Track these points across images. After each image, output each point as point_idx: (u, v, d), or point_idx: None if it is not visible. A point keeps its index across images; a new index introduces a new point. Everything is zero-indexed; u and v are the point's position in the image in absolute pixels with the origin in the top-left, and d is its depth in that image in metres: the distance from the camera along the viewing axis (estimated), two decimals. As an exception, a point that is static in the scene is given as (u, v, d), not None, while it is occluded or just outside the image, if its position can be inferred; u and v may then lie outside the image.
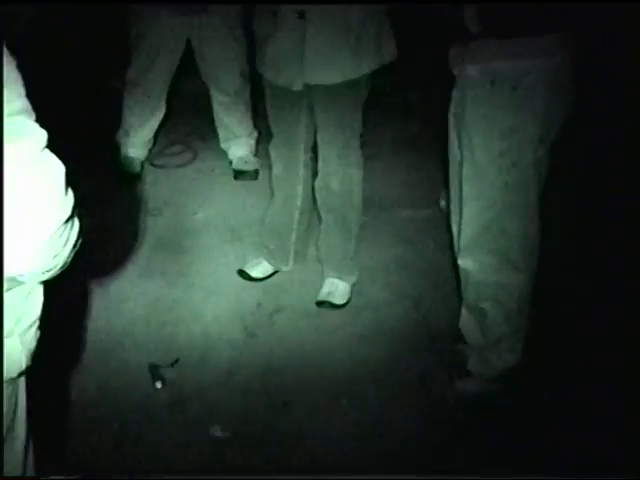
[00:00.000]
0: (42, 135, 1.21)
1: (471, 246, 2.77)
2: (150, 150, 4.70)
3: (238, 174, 4.59)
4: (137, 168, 4.57)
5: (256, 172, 4.58)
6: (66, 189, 1.24)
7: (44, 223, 1.21)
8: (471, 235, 2.75)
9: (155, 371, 3.09)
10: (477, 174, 2.65)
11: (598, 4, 2.48)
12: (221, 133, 4.65)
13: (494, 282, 2.78)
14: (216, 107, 4.54)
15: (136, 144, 4.57)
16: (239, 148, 4.61)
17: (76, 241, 1.32)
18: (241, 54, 4.33)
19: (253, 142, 4.65)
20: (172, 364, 3.15)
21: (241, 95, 4.47)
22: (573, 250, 3.60)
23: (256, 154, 4.64)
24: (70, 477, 2.48)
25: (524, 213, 2.69)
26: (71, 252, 1.32)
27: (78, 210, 1.29)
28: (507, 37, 2.45)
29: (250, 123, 4.62)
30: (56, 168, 1.22)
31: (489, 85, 2.52)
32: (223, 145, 4.67)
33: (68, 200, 1.25)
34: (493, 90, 2.52)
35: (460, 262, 2.84)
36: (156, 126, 4.59)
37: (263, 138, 4.34)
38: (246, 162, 4.60)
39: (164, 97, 4.48)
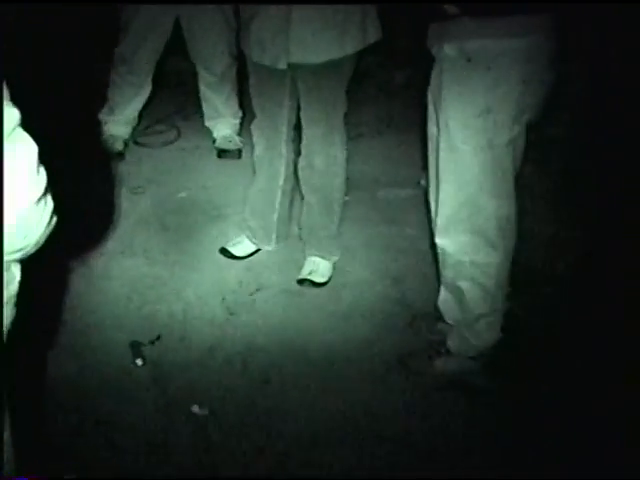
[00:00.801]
0: (14, 114, 1.21)
1: (448, 225, 2.78)
2: (134, 128, 4.70)
3: (221, 152, 4.60)
4: (120, 146, 4.56)
5: (239, 151, 4.59)
6: (38, 169, 1.24)
7: (13, 203, 1.21)
8: (448, 214, 2.76)
9: (136, 349, 3.10)
10: (453, 153, 2.65)
11: None
12: (206, 112, 4.65)
13: (471, 261, 2.79)
14: (203, 86, 4.54)
15: (120, 122, 4.56)
16: (223, 127, 4.62)
17: (49, 221, 1.32)
18: (230, 34, 4.31)
19: (237, 122, 4.66)
20: (153, 342, 3.16)
21: (228, 75, 4.47)
22: (561, 232, 3.60)
23: (240, 134, 4.64)
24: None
25: (500, 192, 2.70)
26: (44, 232, 1.31)
27: (52, 190, 1.29)
28: (483, 16, 2.45)
29: (235, 103, 4.62)
30: (28, 148, 1.22)
31: (465, 64, 2.52)
32: (208, 123, 4.67)
33: (40, 180, 1.24)
34: (469, 69, 2.52)
35: (437, 241, 2.85)
36: (141, 104, 4.58)
37: (248, 118, 4.33)
38: (229, 141, 4.61)
39: (150, 76, 4.47)
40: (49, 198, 1.30)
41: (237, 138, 4.63)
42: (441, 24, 2.58)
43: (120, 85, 4.47)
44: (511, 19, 2.44)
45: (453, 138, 2.64)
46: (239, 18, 3.40)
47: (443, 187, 2.74)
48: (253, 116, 3.50)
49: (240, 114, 4.65)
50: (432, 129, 2.78)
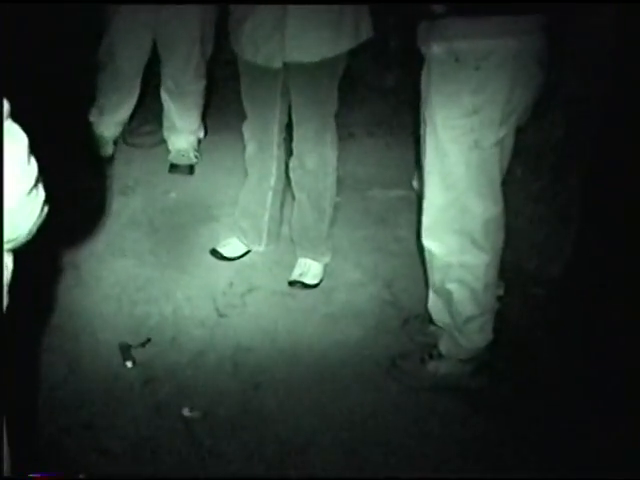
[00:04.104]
0: (5, 105, 1.20)
1: (434, 226, 2.76)
2: (124, 128, 4.64)
3: (172, 167, 4.49)
4: (110, 148, 4.50)
5: (191, 167, 4.49)
6: (28, 159, 1.23)
7: (5, 193, 1.21)
8: (434, 214, 2.74)
9: (126, 351, 3.08)
10: (439, 153, 2.64)
11: None
12: (164, 120, 4.53)
13: (459, 263, 2.77)
14: (164, 94, 4.42)
15: (110, 124, 4.48)
16: (178, 141, 4.50)
17: (41, 211, 1.32)
18: (201, 56, 4.26)
19: (194, 139, 4.54)
20: (143, 344, 3.14)
21: (191, 91, 4.37)
22: (554, 233, 3.59)
23: (197, 150, 4.56)
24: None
25: (486, 193, 2.68)
26: (36, 221, 1.31)
27: (43, 180, 1.29)
28: (472, 16, 2.44)
29: (195, 121, 4.50)
30: (18, 138, 1.22)
31: (453, 64, 2.51)
32: (165, 134, 4.56)
33: (31, 170, 1.24)
34: (457, 69, 2.51)
35: (424, 242, 2.82)
36: (130, 109, 4.48)
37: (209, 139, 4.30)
38: (182, 155, 4.49)
39: (138, 80, 4.36)
40: (40, 188, 1.30)
41: (192, 153, 4.51)
42: (430, 23, 2.57)
43: (106, 91, 4.39)
44: (500, 19, 2.43)
45: (440, 138, 2.62)
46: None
47: (429, 187, 2.73)
48: (243, 116, 3.47)
49: (200, 134, 4.56)
50: (423, 129, 2.77)
